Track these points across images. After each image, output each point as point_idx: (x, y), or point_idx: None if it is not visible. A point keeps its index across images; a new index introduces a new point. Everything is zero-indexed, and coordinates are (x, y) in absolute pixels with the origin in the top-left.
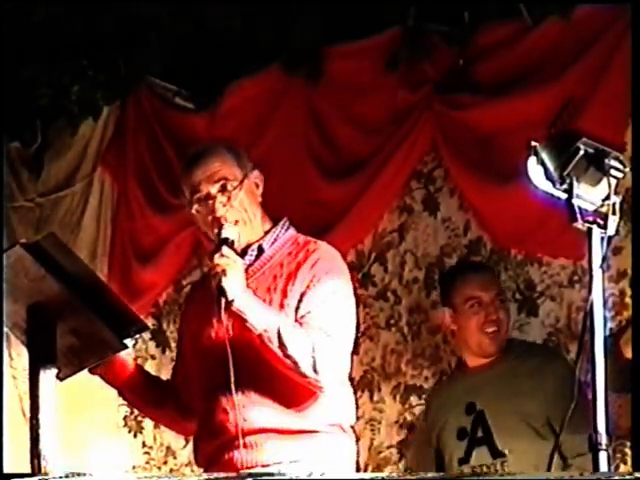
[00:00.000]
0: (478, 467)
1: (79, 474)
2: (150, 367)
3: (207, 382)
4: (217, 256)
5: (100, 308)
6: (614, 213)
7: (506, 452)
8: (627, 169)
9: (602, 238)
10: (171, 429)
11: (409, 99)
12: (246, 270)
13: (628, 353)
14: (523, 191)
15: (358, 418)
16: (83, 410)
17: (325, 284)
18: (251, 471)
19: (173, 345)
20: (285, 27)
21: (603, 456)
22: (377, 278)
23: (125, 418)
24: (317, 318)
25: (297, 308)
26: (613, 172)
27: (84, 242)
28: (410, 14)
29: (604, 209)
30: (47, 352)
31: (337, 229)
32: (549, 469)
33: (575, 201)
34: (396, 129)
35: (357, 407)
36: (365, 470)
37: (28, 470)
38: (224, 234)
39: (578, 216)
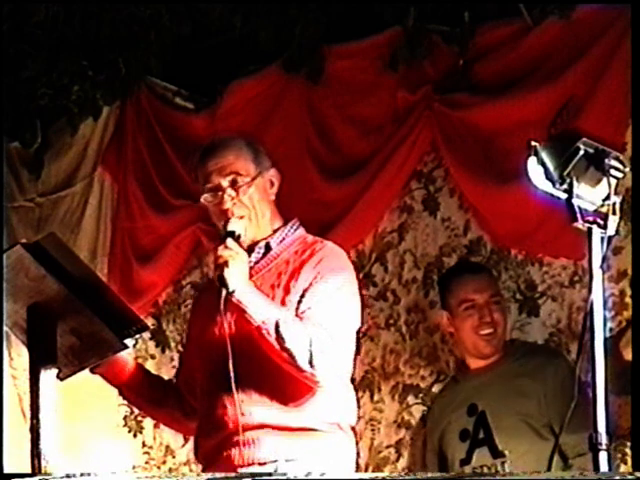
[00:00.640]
0: (479, 468)
1: (82, 474)
2: (150, 367)
3: (209, 379)
4: (221, 248)
5: (100, 308)
6: (614, 213)
7: (506, 453)
8: (627, 169)
9: (602, 238)
10: (173, 428)
11: (409, 99)
12: (252, 267)
13: (628, 355)
14: (523, 191)
15: (359, 418)
16: (83, 410)
17: (328, 281)
18: (251, 470)
19: (173, 345)
20: (285, 27)
21: (603, 456)
22: (377, 278)
23: (125, 418)
24: (317, 314)
25: (299, 303)
26: (613, 172)
27: (84, 242)
28: (410, 14)
29: (604, 209)
30: (47, 352)
31: (337, 229)
32: (549, 469)
33: (575, 201)
34: (396, 129)
35: (358, 407)
36: (366, 470)
37: (28, 470)
38: (230, 227)
39: (578, 216)
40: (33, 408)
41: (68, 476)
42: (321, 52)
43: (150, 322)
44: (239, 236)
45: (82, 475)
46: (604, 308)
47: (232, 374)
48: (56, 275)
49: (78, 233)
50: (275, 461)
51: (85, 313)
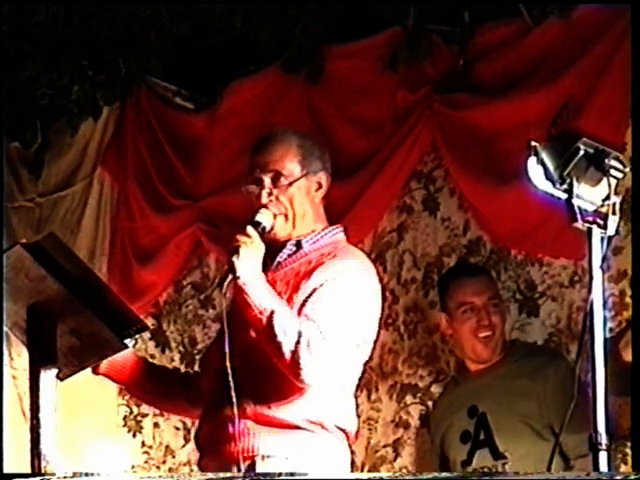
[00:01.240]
0: (480, 469)
1: (86, 474)
2: None
3: (218, 364)
4: (240, 234)
5: (100, 308)
6: (614, 213)
7: (507, 454)
8: (627, 169)
9: (602, 238)
10: (179, 415)
11: (409, 99)
12: (281, 262)
13: (627, 356)
14: (523, 191)
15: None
16: (83, 410)
17: (337, 286)
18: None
19: (173, 345)
20: (285, 27)
21: (603, 456)
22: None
23: (124, 418)
24: (316, 314)
25: (304, 302)
26: (613, 172)
27: (83, 242)
28: (410, 14)
29: (604, 209)
30: (47, 352)
31: None
32: (549, 469)
33: (575, 201)
34: (396, 129)
35: (356, 407)
36: (362, 469)
37: (28, 470)
38: (257, 217)
39: (578, 216)
40: (33, 408)
41: (74, 476)
42: (321, 52)
43: (150, 322)
44: (264, 228)
45: (82, 475)
46: (604, 308)
47: (228, 362)
48: (56, 275)
49: (78, 233)
50: (268, 456)
51: (85, 313)
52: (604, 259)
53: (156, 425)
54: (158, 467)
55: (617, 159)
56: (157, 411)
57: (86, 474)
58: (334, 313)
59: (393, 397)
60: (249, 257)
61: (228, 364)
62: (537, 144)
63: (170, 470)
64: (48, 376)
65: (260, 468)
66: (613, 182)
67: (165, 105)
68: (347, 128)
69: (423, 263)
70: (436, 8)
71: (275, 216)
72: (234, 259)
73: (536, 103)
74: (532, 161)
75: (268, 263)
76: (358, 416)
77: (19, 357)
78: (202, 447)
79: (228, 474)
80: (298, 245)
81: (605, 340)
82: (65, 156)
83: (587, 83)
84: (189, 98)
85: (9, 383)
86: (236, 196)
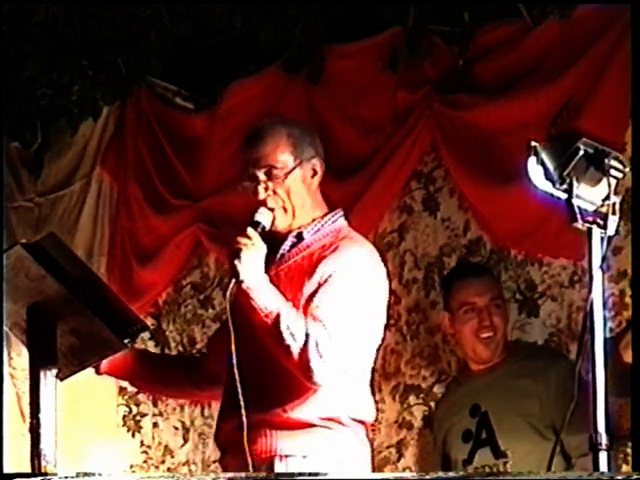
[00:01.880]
0: (481, 468)
1: (85, 474)
2: None
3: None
4: (240, 236)
5: (100, 308)
6: (614, 213)
7: (509, 453)
8: (627, 169)
9: (602, 238)
10: (186, 399)
11: (409, 99)
12: (283, 256)
13: (627, 357)
14: (523, 191)
15: None
16: (82, 410)
17: (341, 280)
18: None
19: (173, 345)
20: (285, 27)
21: (603, 456)
22: None
23: (124, 418)
24: (322, 313)
25: (309, 299)
26: (613, 172)
27: (81, 241)
28: (410, 14)
29: (604, 209)
30: (47, 352)
31: None
32: (549, 469)
33: (575, 201)
34: (396, 129)
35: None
36: None
37: (28, 470)
38: (256, 217)
39: (578, 216)
40: (33, 408)
41: (75, 476)
42: (321, 52)
43: (150, 322)
44: (263, 227)
45: (82, 475)
46: (604, 308)
47: (235, 363)
48: (56, 275)
49: (75, 232)
50: (287, 456)
51: (85, 313)
52: (604, 259)
53: (155, 425)
54: (157, 467)
55: (617, 159)
56: (156, 411)
57: (86, 474)
58: (340, 309)
59: (396, 398)
60: (251, 260)
61: (236, 371)
62: (537, 144)
63: (169, 470)
64: (48, 376)
65: (278, 468)
66: (613, 182)
67: (165, 105)
68: (347, 128)
69: (424, 263)
70: (436, 8)
71: (274, 210)
72: (236, 263)
73: (536, 103)
74: (532, 161)
75: (271, 256)
76: (376, 402)
77: (18, 357)
78: (223, 446)
79: (229, 474)
80: (299, 237)
81: (605, 340)
82: (65, 156)
83: (587, 83)
84: (189, 98)
85: (7, 382)
86: (236, 196)
